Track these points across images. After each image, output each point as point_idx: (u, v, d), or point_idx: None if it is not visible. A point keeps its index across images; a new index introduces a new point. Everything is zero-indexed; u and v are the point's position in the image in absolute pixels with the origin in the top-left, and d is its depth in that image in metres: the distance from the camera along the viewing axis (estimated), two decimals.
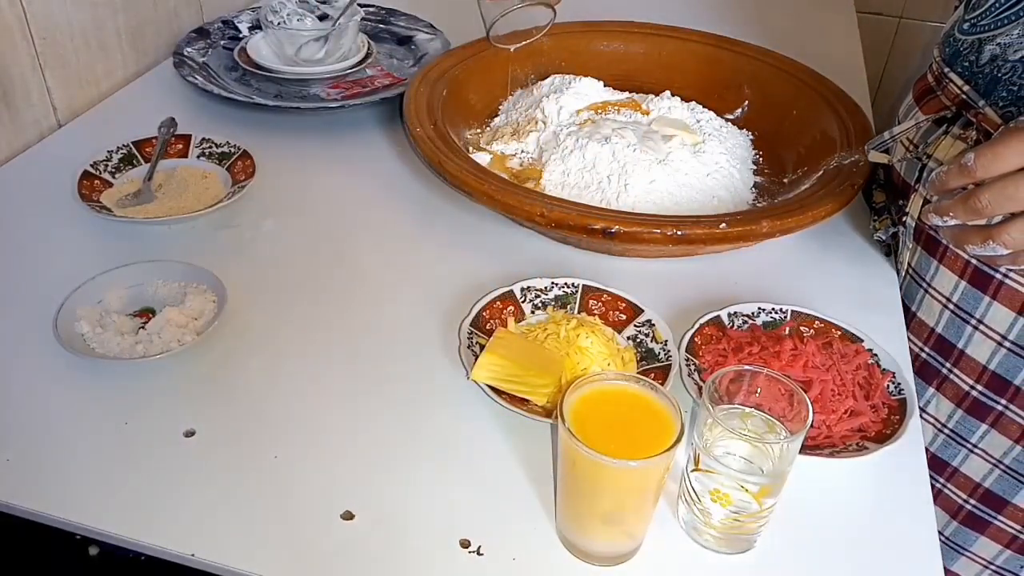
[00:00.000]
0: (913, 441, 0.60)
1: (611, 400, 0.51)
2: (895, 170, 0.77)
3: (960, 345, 0.70)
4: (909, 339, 0.73)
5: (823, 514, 0.56)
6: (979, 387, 0.69)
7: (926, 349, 0.73)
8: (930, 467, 0.73)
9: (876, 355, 0.65)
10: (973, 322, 0.68)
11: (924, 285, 0.72)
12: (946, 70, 0.71)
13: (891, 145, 0.74)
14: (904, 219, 0.72)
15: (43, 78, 0.89)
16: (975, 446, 0.72)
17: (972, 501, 0.73)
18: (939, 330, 0.71)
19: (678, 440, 0.47)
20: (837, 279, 0.77)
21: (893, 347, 0.66)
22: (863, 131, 0.84)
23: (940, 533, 0.75)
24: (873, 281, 0.77)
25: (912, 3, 1.49)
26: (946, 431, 0.73)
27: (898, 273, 0.76)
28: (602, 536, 0.51)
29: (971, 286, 0.68)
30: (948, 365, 0.71)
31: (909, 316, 0.74)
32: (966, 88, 0.67)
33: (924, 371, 0.73)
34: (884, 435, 0.59)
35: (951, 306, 0.70)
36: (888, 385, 0.63)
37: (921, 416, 0.74)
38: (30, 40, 0.86)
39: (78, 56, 0.93)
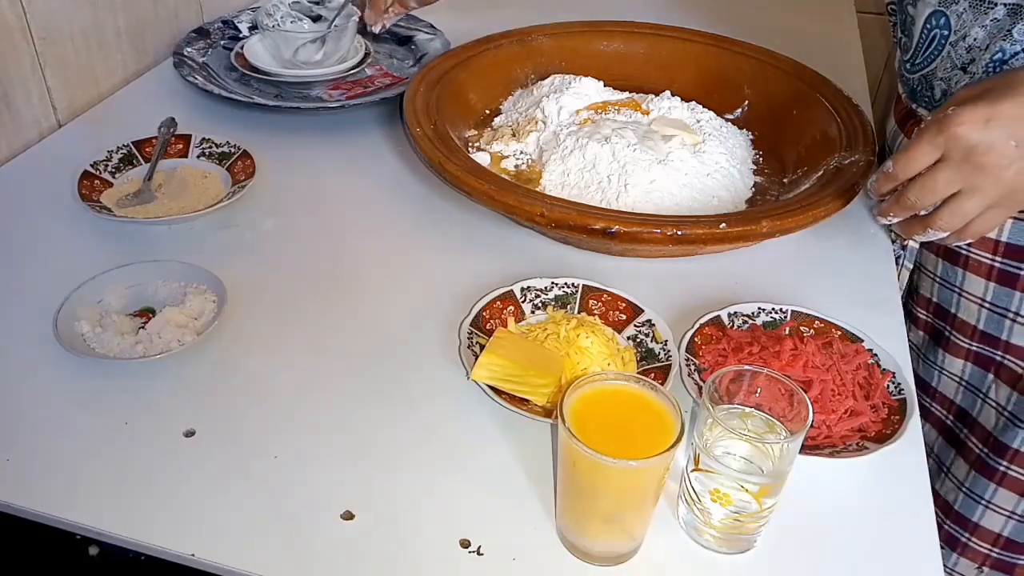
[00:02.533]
0: (913, 441, 0.60)
1: (611, 400, 0.51)
2: None
3: (1004, 336, 0.76)
4: (955, 337, 0.80)
5: (823, 514, 0.56)
6: None
7: (975, 344, 0.79)
8: (994, 452, 0.79)
9: (876, 355, 0.65)
10: (1011, 315, 0.74)
11: (956, 291, 0.78)
12: (913, 106, 0.79)
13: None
14: (906, 242, 0.80)
15: (43, 78, 0.89)
16: None
17: None
18: (981, 327, 0.77)
19: (678, 440, 0.47)
20: (837, 279, 0.77)
21: (893, 347, 0.66)
22: (863, 131, 0.84)
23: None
24: (873, 281, 0.77)
25: None
26: (1006, 414, 0.77)
27: (901, 288, 0.80)
28: (602, 536, 0.51)
29: (1000, 285, 0.74)
30: (1000, 353, 0.77)
31: (950, 318, 0.80)
32: None
33: (980, 360, 0.79)
34: (884, 435, 0.59)
35: (987, 305, 0.76)
36: (888, 385, 0.63)
37: (985, 402, 0.79)
38: (30, 40, 0.86)
39: (78, 56, 0.93)
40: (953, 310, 0.79)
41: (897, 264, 0.80)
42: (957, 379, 0.82)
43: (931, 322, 0.83)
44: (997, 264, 0.73)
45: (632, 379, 0.52)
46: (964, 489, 0.81)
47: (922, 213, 0.65)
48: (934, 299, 0.81)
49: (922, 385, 0.85)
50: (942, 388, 0.83)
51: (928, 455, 0.77)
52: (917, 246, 0.81)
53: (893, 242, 0.81)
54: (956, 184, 0.61)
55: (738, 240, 0.71)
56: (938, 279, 0.80)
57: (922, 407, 0.83)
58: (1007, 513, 0.79)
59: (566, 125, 0.88)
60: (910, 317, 0.83)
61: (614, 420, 0.50)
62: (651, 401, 0.51)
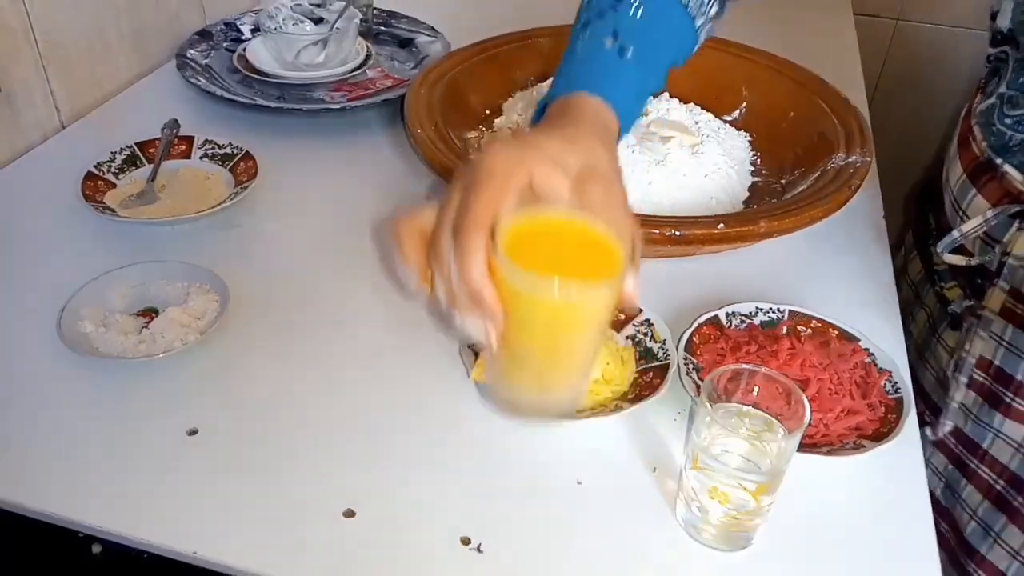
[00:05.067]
0: (910, 440, 0.60)
1: (553, 232, 0.45)
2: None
3: (1019, 377, 0.68)
4: (1017, 403, 0.70)
5: (820, 512, 0.56)
6: None
7: (1000, 482, 0.72)
8: (999, 507, 0.72)
9: (873, 354, 0.65)
10: None
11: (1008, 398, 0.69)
12: (998, 161, 0.68)
13: (961, 242, 0.71)
14: (982, 312, 0.69)
15: (46, 80, 0.90)
16: None
17: None
18: (1013, 468, 0.70)
19: (620, 274, 0.42)
20: (834, 279, 0.77)
21: (890, 346, 0.67)
22: (860, 132, 0.84)
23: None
24: (870, 281, 0.77)
25: (909, 5, 1.50)
26: (1020, 558, 0.72)
27: (963, 359, 0.70)
28: (535, 383, 0.46)
29: None
30: (1019, 500, 0.70)
31: (1014, 385, 0.69)
32: None
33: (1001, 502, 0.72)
34: (881, 434, 0.59)
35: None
36: (885, 384, 0.63)
37: (997, 437, 0.72)
38: (34, 42, 0.87)
39: (81, 58, 0.94)
40: (1020, 377, 0.69)
41: (965, 328, 0.71)
42: (1016, 445, 0.71)
43: (988, 385, 0.72)
44: None
45: (576, 213, 0.45)
46: (1019, 558, 0.73)
47: None
48: (996, 362, 0.70)
49: (970, 445, 0.75)
50: (993, 451, 0.73)
51: (971, 518, 0.74)
52: (992, 318, 0.69)
53: (963, 296, 0.73)
54: None
55: (736, 240, 0.71)
56: (1004, 343, 0.69)
57: (967, 467, 0.75)
58: None
59: None
60: (961, 371, 0.71)
61: (555, 253, 0.44)
62: (597, 236, 0.44)
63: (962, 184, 0.73)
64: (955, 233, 0.71)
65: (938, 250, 0.71)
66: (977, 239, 0.71)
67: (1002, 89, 0.70)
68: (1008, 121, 0.68)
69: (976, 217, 0.69)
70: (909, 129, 1.55)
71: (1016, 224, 0.66)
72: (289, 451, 0.57)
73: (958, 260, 0.72)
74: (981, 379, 0.72)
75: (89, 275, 0.67)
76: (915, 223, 0.86)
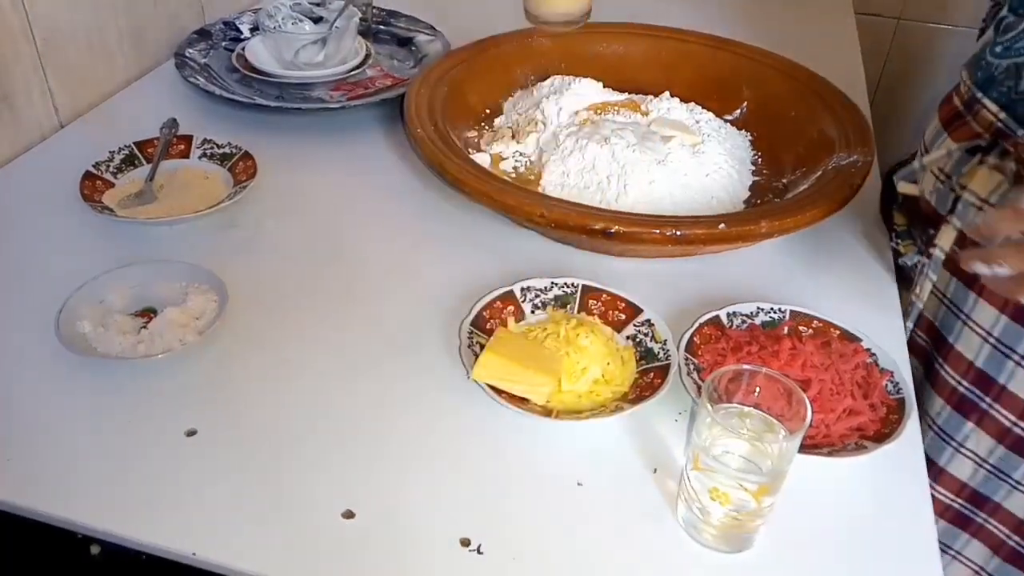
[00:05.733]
0: (911, 440, 0.60)
1: None
2: (923, 198, 0.73)
3: (1001, 380, 0.67)
4: (945, 370, 0.71)
5: (822, 513, 0.56)
6: (1022, 424, 0.67)
7: (964, 383, 0.70)
8: (970, 501, 0.72)
9: (874, 354, 0.65)
10: (1016, 357, 0.66)
11: (962, 317, 0.69)
12: (979, 95, 0.67)
13: (921, 174, 0.71)
14: (932, 250, 0.68)
15: (45, 79, 0.89)
16: (1018, 483, 0.70)
17: (1015, 537, 0.72)
18: (979, 364, 0.69)
19: None
20: (835, 279, 0.77)
21: (891, 346, 0.66)
22: (861, 132, 0.84)
23: (982, 569, 0.74)
24: (871, 281, 0.77)
25: (910, 4, 1.50)
26: (987, 466, 0.71)
27: (912, 304, 0.71)
28: None
29: (1013, 321, 0.65)
30: (988, 400, 0.69)
31: (946, 347, 0.71)
32: (1002, 115, 0.65)
33: (963, 405, 0.71)
34: (882, 434, 0.59)
35: (992, 340, 0.67)
36: (887, 384, 0.63)
37: (959, 451, 0.72)
38: (32, 41, 0.86)
39: (80, 57, 0.94)
40: (952, 339, 0.70)
41: (917, 271, 0.71)
42: (929, 423, 0.74)
43: (927, 349, 0.74)
44: None
45: None
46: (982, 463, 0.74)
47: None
48: (936, 322, 0.72)
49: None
50: (932, 412, 0.74)
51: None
52: (943, 256, 0.69)
53: (917, 250, 0.73)
54: None
55: (737, 240, 0.71)
56: (947, 300, 0.70)
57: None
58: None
59: (566, 126, 0.89)
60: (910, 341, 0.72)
61: None
62: None
63: (935, 132, 0.73)
64: (915, 164, 0.71)
65: (895, 178, 0.70)
66: (935, 181, 0.70)
67: (1002, 13, 0.68)
68: (998, 49, 0.66)
69: (941, 148, 0.69)
70: (910, 128, 1.55)
71: (976, 159, 0.65)
72: (288, 452, 0.57)
73: (911, 189, 0.72)
74: (922, 342, 0.74)
75: (87, 275, 0.67)
76: (882, 193, 0.85)
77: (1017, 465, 0.69)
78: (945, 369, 0.72)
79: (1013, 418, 0.68)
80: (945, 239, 0.67)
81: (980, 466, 0.71)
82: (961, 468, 0.73)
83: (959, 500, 0.74)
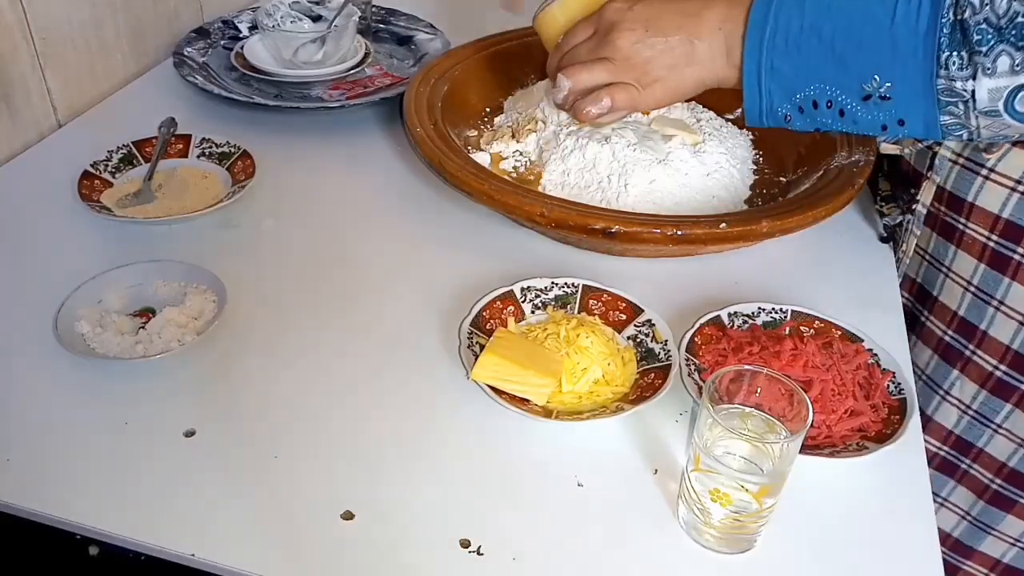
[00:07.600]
0: (913, 441, 0.60)
1: None
2: (904, 159, 0.78)
3: (983, 327, 0.72)
4: (932, 323, 0.76)
5: (823, 514, 0.56)
6: (1003, 367, 0.71)
7: (949, 332, 0.75)
8: (955, 448, 0.76)
9: (876, 355, 0.65)
10: (995, 303, 0.70)
11: (944, 270, 0.74)
12: None
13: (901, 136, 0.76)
14: (914, 207, 0.75)
15: (43, 78, 0.89)
16: (999, 426, 0.73)
17: (998, 481, 0.75)
18: (961, 313, 0.73)
19: None
20: (837, 279, 0.77)
21: (893, 347, 0.66)
22: None
23: (968, 513, 0.78)
24: (873, 281, 0.77)
25: None
26: (971, 412, 0.74)
27: (899, 262, 0.78)
28: None
29: (990, 268, 0.70)
30: (971, 347, 0.73)
31: (931, 301, 0.76)
32: None
33: (948, 354, 0.75)
34: (884, 435, 0.59)
35: (972, 288, 0.72)
36: (888, 385, 0.63)
37: (945, 399, 0.76)
38: (30, 40, 0.86)
39: (78, 56, 0.93)
40: (936, 293, 0.75)
41: (902, 229, 0.77)
42: (919, 374, 0.78)
43: (911, 306, 0.79)
44: (991, 245, 0.70)
45: None
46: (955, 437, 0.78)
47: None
48: (918, 279, 0.77)
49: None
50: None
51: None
52: (924, 211, 0.75)
53: (900, 211, 0.78)
54: (592, 52, 0.71)
55: (738, 240, 0.71)
56: (928, 256, 0.76)
57: None
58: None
59: (566, 125, 0.88)
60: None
61: None
62: None
63: None
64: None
65: (877, 139, 0.74)
66: (914, 140, 0.74)
67: None
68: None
69: None
70: None
71: None
72: (287, 453, 0.57)
73: (893, 149, 0.77)
74: (905, 299, 0.78)
75: (85, 275, 0.67)
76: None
77: (999, 408, 0.72)
78: (932, 321, 0.76)
79: (994, 362, 0.71)
80: (926, 195, 0.74)
81: (964, 413, 0.75)
82: (948, 416, 0.77)
83: (945, 448, 0.78)
